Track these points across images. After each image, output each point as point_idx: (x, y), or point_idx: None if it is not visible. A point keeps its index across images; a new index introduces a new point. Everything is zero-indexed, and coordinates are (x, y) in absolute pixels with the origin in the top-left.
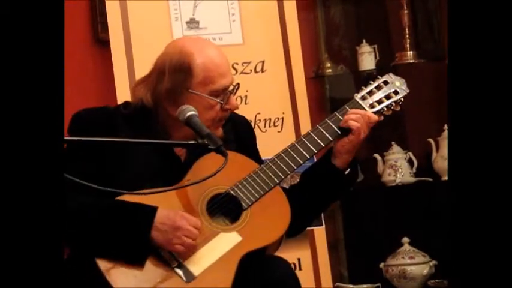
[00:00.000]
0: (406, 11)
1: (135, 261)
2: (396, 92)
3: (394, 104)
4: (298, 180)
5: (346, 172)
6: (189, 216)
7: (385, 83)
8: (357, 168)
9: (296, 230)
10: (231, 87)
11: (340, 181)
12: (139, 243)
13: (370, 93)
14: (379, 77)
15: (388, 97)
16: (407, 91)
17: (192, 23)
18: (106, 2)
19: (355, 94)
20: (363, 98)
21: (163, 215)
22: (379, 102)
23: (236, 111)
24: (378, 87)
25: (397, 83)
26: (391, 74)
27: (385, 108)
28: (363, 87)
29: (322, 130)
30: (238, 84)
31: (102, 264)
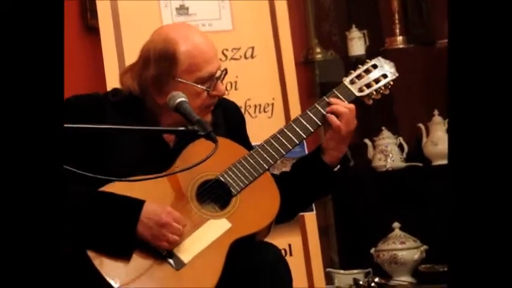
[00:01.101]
0: None
1: (121, 254)
2: (385, 76)
3: (383, 88)
4: (289, 166)
5: (336, 169)
6: (175, 213)
7: (374, 66)
8: (348, 163)
9: (285, 218)
10: (218, 73)
11: (328, 177)
12: (125, 237)
13: (359, 77)
14: (368, 60)
15: (377, 81)
16: (396, 74)
17: (182, 9)
18: None
19: (344, 78)
20: (352, 82)
21: (150, 209)
22: (368, 86)
23: (226, 97)
24: (367, 71)
25: (386, 67)
26: (380, 58)
27: (374, 92)
28: (351, 71)
29: (311, 115)
30: (225, 69)
31: (92, 253)
